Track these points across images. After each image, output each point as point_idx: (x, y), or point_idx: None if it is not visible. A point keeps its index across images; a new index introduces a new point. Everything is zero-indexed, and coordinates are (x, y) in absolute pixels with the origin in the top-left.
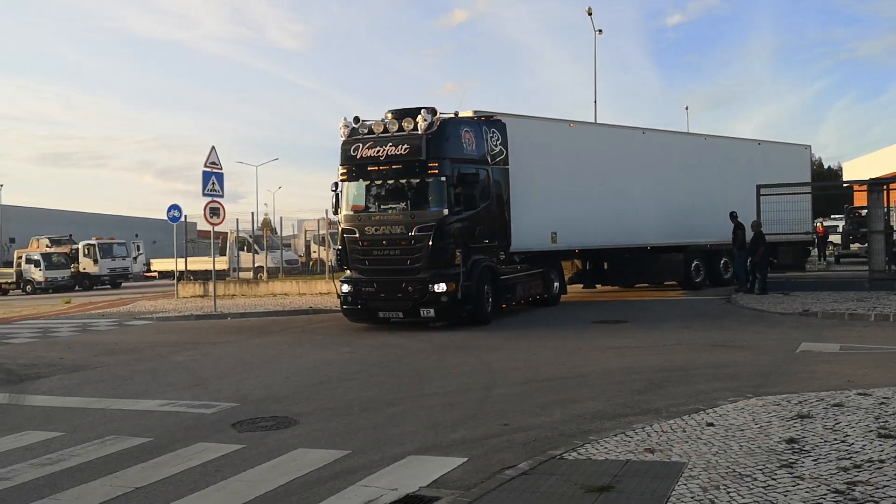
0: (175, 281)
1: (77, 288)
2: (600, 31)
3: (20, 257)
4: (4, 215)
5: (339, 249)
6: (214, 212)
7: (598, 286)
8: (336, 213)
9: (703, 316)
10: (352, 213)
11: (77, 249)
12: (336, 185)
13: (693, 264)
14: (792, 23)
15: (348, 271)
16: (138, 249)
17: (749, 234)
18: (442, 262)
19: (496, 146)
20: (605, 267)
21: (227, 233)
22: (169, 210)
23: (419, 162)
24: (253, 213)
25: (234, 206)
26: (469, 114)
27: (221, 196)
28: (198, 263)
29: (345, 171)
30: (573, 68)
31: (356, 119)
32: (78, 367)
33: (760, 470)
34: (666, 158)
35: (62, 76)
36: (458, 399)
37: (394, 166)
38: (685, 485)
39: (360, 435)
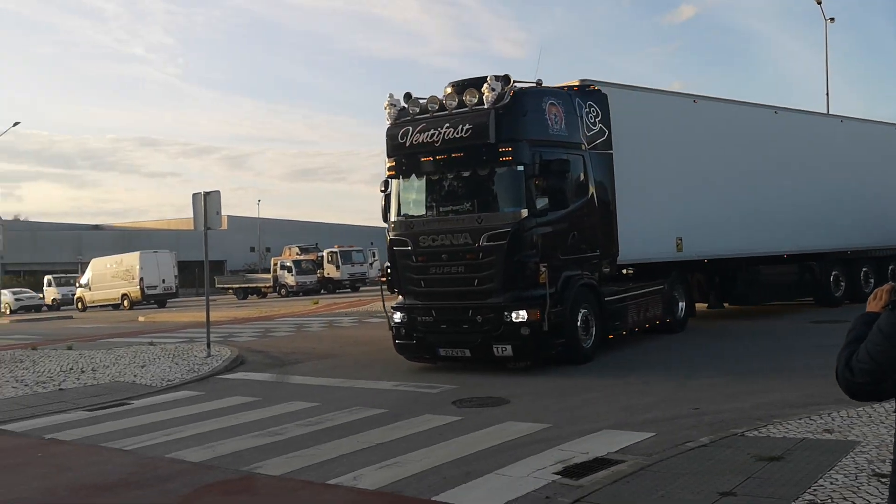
0: None
1: (322, 291)
2: (832, 19)
3: (276, 264)
4: (263, 227)
5: (387, 267)
6: None
7: (727, 305)
8: (386, 219)
9: None
10: (402, 219)
11: (322, 257)
12: (385, 184)
13: (832, 275)
14: None
15: (400, 296)
16: (374, 256)
17: None
18: (521, 281)
19: (595, 125)
20: (737, 280)
21: None
22: None
23: (486, 146)
24: None
25: None
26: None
27: None
28: None
29: (392, 164)
30: (814, 57)
31: (407, 96)
32: (327, 355)
33: None
34: (801, 144)
35: (304, 98)
36: (653, 387)
37: (453, 154)
38: (853, 458)
39: (561, 413)
